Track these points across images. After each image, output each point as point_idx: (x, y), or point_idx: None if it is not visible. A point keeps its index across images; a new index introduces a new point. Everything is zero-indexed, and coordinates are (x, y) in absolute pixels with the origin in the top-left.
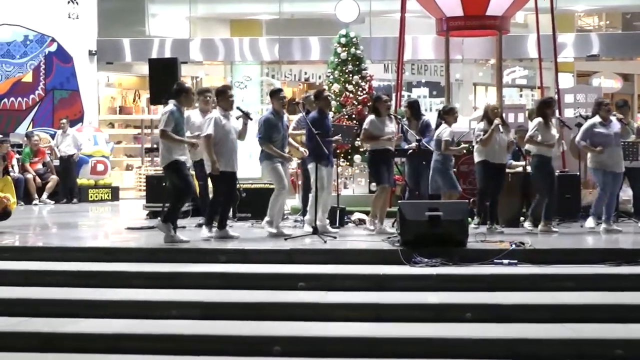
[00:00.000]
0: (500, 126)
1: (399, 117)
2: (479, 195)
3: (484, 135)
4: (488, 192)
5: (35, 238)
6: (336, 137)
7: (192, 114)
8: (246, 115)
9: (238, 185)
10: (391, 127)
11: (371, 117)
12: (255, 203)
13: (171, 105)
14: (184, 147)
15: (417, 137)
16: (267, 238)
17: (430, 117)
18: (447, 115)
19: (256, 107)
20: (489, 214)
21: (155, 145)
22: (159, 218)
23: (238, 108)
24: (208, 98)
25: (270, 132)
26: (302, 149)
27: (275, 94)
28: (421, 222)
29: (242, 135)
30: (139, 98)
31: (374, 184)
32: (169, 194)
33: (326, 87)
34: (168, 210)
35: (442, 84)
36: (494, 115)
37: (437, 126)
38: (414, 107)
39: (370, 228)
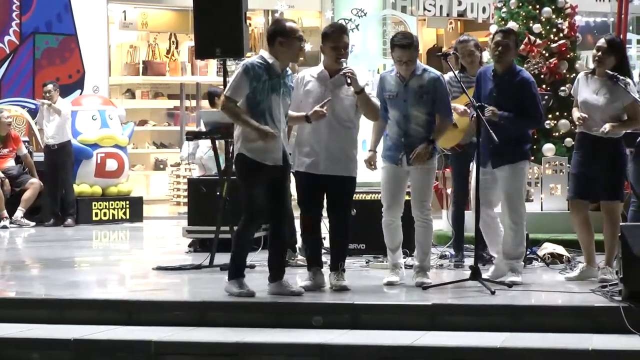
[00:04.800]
0: None
1: (618, 78)
2: None
3: None
4: None
5: (4, 284)
6: None
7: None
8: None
9: None
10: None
11: (581, 75)
12: (372, 227)
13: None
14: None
15: None
16: (392, 287)
17: None
18: None
19: (375, 63)
20: None
21: (204, 128)
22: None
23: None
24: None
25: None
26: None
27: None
28: None
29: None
30: (177, 48)
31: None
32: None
33: (496, 27)
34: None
35: None
36: None
37: None
38: None
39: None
